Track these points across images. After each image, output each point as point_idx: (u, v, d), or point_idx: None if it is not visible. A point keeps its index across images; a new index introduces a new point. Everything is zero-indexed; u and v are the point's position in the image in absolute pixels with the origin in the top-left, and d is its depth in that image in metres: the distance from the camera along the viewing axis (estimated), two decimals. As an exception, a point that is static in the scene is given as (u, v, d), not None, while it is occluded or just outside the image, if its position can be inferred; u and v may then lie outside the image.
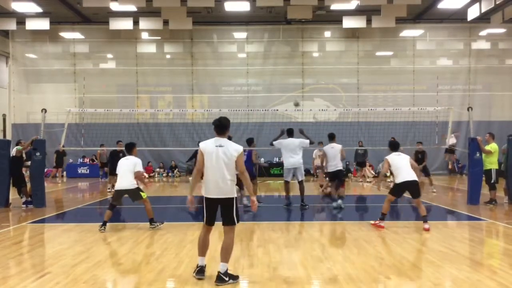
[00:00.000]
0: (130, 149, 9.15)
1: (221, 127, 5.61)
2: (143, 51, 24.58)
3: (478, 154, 11.85)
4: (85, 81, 23.74)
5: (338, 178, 11.88)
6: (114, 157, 13.99)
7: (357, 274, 5.66)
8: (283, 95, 24.14)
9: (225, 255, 5.41)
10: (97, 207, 12.69)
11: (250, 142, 12.58)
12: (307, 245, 7.34)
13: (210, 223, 5.57)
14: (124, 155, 9.86)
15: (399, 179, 8.78)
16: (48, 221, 9.96)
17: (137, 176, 8.76)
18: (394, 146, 9.32)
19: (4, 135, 23.21)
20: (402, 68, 24.42)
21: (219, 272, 5.36)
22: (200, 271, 5.56)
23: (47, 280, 5.49)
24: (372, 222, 8.98)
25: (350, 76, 24.34)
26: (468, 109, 13.23)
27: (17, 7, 18.08)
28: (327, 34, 24.90)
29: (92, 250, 7.04)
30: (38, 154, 11.96)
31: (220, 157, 5.42)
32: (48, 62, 24.47)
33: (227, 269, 5.38)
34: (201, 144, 5.64)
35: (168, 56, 25.28)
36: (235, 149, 5.52)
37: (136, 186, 8.81)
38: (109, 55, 25.35)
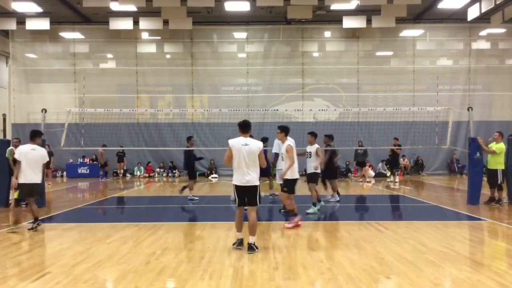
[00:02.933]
0: None
1: (245, 127, 6.95)
2: (143, 51, 24.58)
3: (478, 154, 11.84)
4: (85, 81, 23.72)
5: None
6: (187, 155, 13.62)
7: (357, 274, 5.65)
8: (283, 95, 24.14)
9: (252, 230, 6.87)
10: (97, 207, 12.70)
11: (264, 141, 12.74)
12: (307, 245, 7.34)
13: (241, 204, 6.99)
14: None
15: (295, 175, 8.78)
16: (48, 221, 9.95)
17: None
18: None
19: (4, 135, 23.22)
20: (402, 68, 24.43)
21: (249, 243, 6.83)
22: (240, 243, 6.99)
23: (47, 280, 5.49)
24: (288, 225, 8.72)
25: (350, 76, 24.34)
26: (468, 109, 13.24)
27: (17, 7, 18.09)
28: (327, 34, 24.90)
29: (92, 250, 7.04)
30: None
31: (246, 154, 6.73)
32: (48, 62, 24.48)
33: (254, 241, 6.85)
34: (230, 141, 6.84)
35: (168, 56, 25.29)
36: (257, 146, 6.85)
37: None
38: (109, 55, 25.35)
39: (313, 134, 10.69)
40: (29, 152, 8.57)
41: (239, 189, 6.87)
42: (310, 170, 10.61)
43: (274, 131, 16.08)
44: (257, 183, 6.89)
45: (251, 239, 6.84)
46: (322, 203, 11.30)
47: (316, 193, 10.75)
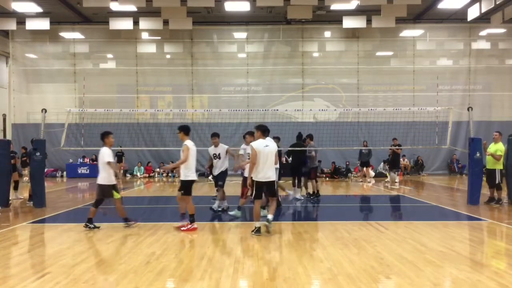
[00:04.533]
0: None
1: (265, 131, 8.18)
2: (143, 51, 24.59)
3: (478, 154, 11.83)
4: (85, 81, 23.75)
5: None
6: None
7: (357, 274, 5.65)
8: (283, 95, 24.14)
9: (273, 210, 8.21)
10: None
11: (277, 140, 12.89)
12: (307, 245, 7.34)
13: (259, 197, 8.12)
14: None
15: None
16: (48, 221, 9.96)
17: None
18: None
19: (4, 135, 23.16)
20: (402, 68, 24.44)
21: (268, 219, 8.01)
22: (258, 231, 7.93)
23: (47, 280, 5.49)
24: (183, 227, 8.56)
25: (350, 76, 24.35)
26: (468, 109, 13.22)
27: (17, 7, 18.08)
28: (327, 34, 24.91)
29: (92, 250, 7.04)
30: (38, 154, 11.94)
31: (267, 154, 7.93)
32: (48, 62, 24.49)
33: (272, 218, 8.11)
34: (253, 144, 8.02)
35: (168, 56, 25.29)
36: (275, 147, 8.19)
37: None
38: (109, 55, 25.35)
39: (252, 134, 9.77)
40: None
41: (260, 184, 7.99)
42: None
43: (274, 131, 16.10)
44: (275, 178, 8.25)
45: (271, 217, 8.06)
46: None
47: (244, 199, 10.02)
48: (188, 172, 8.58)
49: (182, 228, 8.52)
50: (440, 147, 17.88)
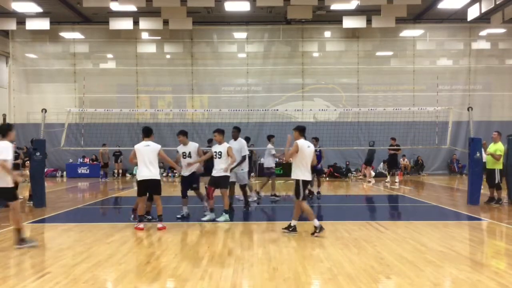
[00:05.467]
0: None
1: (304, 130, 8.32)
2: (143, 51, 24.59)
3: (478, 154, 11.83)
4: (85, 81, 23.74)
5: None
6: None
7: (357, 274, 5.65)
8: (283, 95, 24.14)
9: (298, 214, 8.26)
10: (97, 207, 12.69)
11: (316, 140, 13.44)
12: (307, 245, 7.34)
13: (306, 198, 8.38)
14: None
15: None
16: (48, 221, 9.96)
17: None
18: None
19: (4, 135, 23.20)
20: (402, 68, 24.44)
21: (289, 224, 8.28)
22: (321, 229, 7.98)
23: (47, 280, 5.48)
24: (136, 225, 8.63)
25: (350, 76, 24.34)
26: (468, 109, 13.22)
27: (17, 7, 18.09)
28: (327, 34, 24.91)
29: (92, 250, 7.04)
30: (38, 154, 11.94)
31: (309, 154, 8.14)
32: (48, 62, 24.49)
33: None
34: (299, 142, 8.07)
35: (168, 56, 25.29)
36: (313, 148, 8.36)
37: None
38: (109, 55, 25.36)
39: (221, 132, 9.73)
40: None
41: (306, 183, 8.23)
42: (220, 172, 9.43)
43: (274, 131, 16.12)
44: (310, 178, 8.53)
45: (295, 222, 8.24)
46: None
47: (227, 200, 9.68)
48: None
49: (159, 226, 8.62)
50: (440, 147, 17.89)
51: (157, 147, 8.76)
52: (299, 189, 8.04)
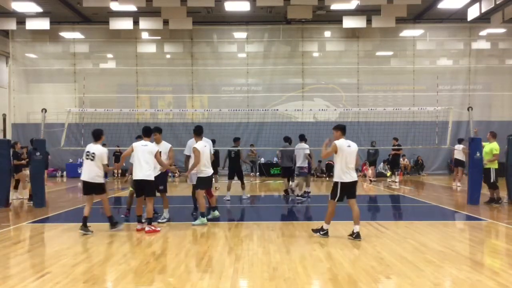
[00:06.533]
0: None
1: (344, 129, 7.99)
2: (143, 51, 24.59)
3: (478, 154, 11.84)
4: (85, 81, 23.74)
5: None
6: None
7: (357, 274, 5.65)
8: (283, 95, 24.14)
9: (358, 219, 7.76)
10: (97, 207, 12.67)
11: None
12: (307, 245, 7.33)
13: (341, 200, 7.80)
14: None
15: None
16: (48, 221, 9.95)
17: None
18: None
19: (4, 135, 23.19)
20: (402, 68, 24.44)
21: (358, 232, 7.67)
22: (325, 233, 7.87)
23: (47, 280, 5.48)
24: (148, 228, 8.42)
25: (350, 76, 24.35)
26: (468, 109, 13.23)
27: (17, 7, 18.09)
28: (327, 34, 24.91)
29: (92, 250, 7.04)
30: (38, 154, 11.94)
31: (351, 154, 7.74)
32: (48, 62, 24.49)
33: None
34: (337, 142, 7.75)
35: (168, 56, 25.29)
36: (356, 148, 7.88)
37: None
38: (109, 55, 25.35)
39: (159, 131, 9.52)
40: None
41: (346, 185, 7.72)
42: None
43: (274, 131, 16.15)
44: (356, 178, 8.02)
45: (358, 228, 7.70)
46: (217, 213, 10.06)
47: (203, 202, 9.31)
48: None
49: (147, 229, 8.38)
50: (440, 147, 17.88)
51: (155, 149, 8.56)
52: (336, 191, 7.73)
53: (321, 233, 7.90)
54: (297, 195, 12.97)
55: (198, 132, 9.45)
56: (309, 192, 13.68)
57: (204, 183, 9.33)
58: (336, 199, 7.76)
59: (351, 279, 5.47)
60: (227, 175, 13.35)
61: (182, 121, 23.34)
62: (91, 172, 8.45)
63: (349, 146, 7.77)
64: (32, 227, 9.23)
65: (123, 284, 5.36)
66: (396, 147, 18.33)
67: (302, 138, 13.16)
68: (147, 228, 8.38)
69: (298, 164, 13.07)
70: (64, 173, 23.52)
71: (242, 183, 13.26)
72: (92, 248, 7.20)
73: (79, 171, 22.78)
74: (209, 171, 9.37)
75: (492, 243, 8.01)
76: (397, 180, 18.85)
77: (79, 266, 6.10)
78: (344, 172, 7.70)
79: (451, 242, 7.47)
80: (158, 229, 8.52)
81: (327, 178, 21.74)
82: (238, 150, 13.25)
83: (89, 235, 8.18)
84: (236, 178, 13.09)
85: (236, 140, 13.73)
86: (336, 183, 7.76)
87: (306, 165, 13.05)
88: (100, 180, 8.56)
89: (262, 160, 23.29)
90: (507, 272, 5.77)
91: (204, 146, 9.27)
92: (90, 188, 8.53)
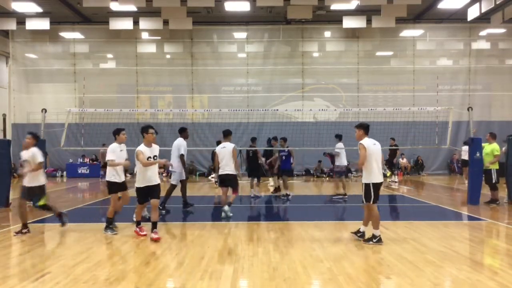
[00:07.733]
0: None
1: (368, 128, 7.81)
2: (143, 51, 24.58)
3: (478, 154, 11.84)
4: (85, 81, 23.74)
5: (226, 183, 10.27)
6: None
7: (357, 274, 5.65)
8: (283, 95, 24.14)
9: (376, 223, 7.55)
10: (97, 207, 12.68)
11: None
12: (307, 245, 7.33)
13: (376, 201, 7.58)
14: None
15: None
16: (48, 221, 9.95)
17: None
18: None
19: (4, 135, 23.14)
20: (402, 68, 24.43)
21: (358, 229, 7.76)
22: (380, 241, 7.36)
23: (47, 280, 5.49)
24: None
25: (350, 76, 24.34)
26: (468, 109, 13.23)
27: (17, 7, 18.08)
28: (327, 34, 24.90)
29: (92, 250, 7.04)
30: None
31: (378, 151, 7.56)
32: (48, 62, 24.49)
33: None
34: (364, 142, 7.52)
35: (168, 56, 25.28)
36: (379, 146, 7.68)
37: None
38: (109, 55, 25.35)
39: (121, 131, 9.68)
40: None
41: (377, 186, 7.51)
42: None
43: (274, 131, 16.14)
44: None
45: (378, 232, 7.49)
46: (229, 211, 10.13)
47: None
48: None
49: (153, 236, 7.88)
50: (440, 147, 17.87)
51: (155, 148, 8.56)
52: (369, 193, 7.44)
53: (374, 241, 7.37)
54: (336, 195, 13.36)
55: (225, 134, 10.47)
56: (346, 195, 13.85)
57: (225, 181, 10.15)
58: (372, 200, 7.47)
59: (351, 279, 5.47)
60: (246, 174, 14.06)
61: (182, 121, 23.28)
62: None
63: (374, 144, 7.59)
64: (32, 227, 9.20)
65: (123, 284, 5.36)
66: (393, 147, 18.35)
67: (340, 138, 13.65)
68: (155, 236, 7.80)
69: (337, 163, 13.60)
70: (64, 173, 23.51)
71: (258, 181, 14.07)
72: (92, 248, 7.20)
73: (79, 171, 23.10)
74: (225, 170, 10.09)
75: (492, 243, 8.01)
76: (397, 180, 18.86)
77: (79, 266, 6.10)
78: (375, 172, 7.43)
79: (451, 242, 7.48)
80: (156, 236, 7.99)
81: (327, 178, 21.74)
82: (255, 149, 13.91)
83: (113, 233, 8.39)
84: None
85: (253, 140, 14.50)
86: (367, 185, 7.46)
87: (345, 164, 13.61)
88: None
89: (263, 160, 23.27)
90: (507, 272, 5.77)
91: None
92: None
